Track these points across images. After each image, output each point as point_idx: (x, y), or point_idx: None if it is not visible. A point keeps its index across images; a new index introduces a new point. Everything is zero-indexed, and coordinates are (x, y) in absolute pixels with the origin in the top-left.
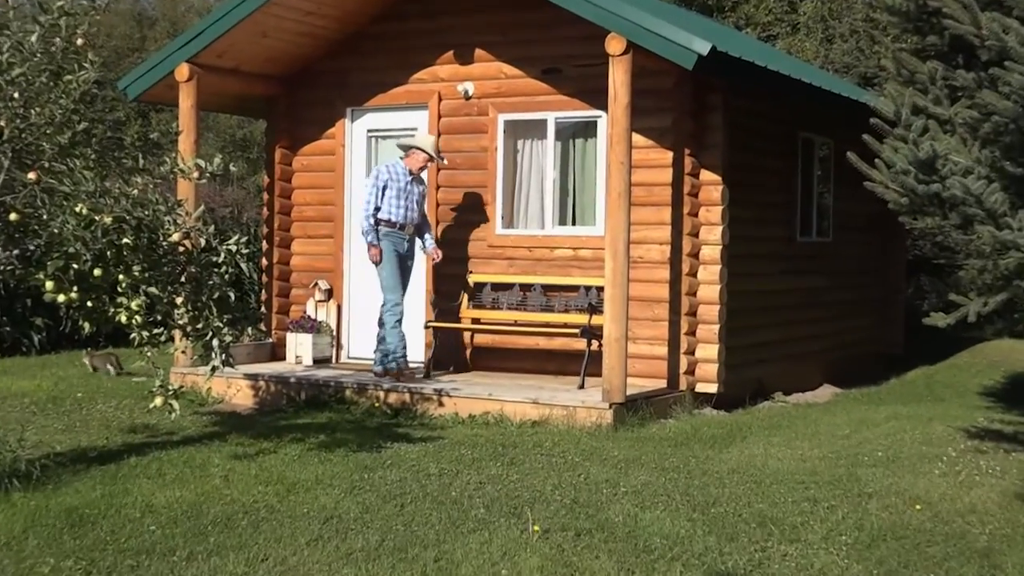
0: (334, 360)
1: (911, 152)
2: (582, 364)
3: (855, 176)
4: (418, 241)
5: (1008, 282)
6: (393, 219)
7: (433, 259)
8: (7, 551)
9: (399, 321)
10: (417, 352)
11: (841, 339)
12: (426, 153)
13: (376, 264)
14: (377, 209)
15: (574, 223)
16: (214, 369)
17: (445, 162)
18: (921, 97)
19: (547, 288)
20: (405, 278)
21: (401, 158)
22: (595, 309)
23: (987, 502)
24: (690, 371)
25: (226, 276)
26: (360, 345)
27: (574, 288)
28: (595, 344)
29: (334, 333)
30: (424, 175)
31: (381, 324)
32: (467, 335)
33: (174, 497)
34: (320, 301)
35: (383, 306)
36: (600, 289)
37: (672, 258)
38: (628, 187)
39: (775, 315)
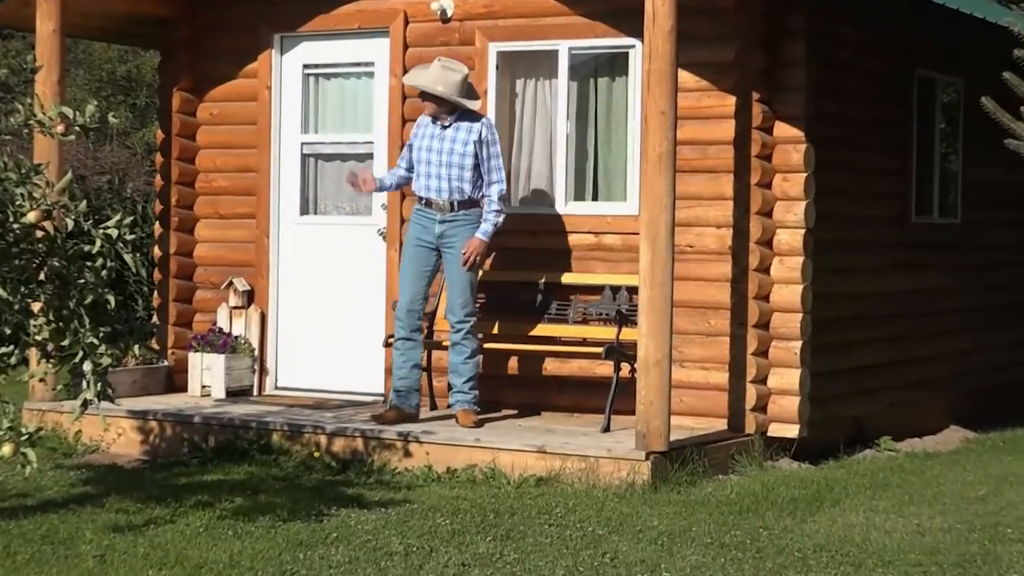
0: (257, 391)
1: None
2: (607, 397)
3: (994, 131)
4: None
5: None
6: (415, 192)
7: (466, 260)
8: None
9: (397, 340)
10: (372, 379)
11: (975, 362)
12: (431, 97)
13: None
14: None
15: (596, 198)
16: (86, 404)
17: (471, 103)
18: None
19: (558, 289)
20: (419, 279)
21: None
22: (626, 319)
23: None
24: (760, 407)
25: (103, 273)
26: (294, 370)
27: (596, 289)
28: (625, 369)
29: (256, 353)
30: (477, 124)
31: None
32: (442, 357)
33: None
34: (236, 308)
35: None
36: (633, 291)
37: (735, 247)
38: (673, 147)
39: (881, 328)
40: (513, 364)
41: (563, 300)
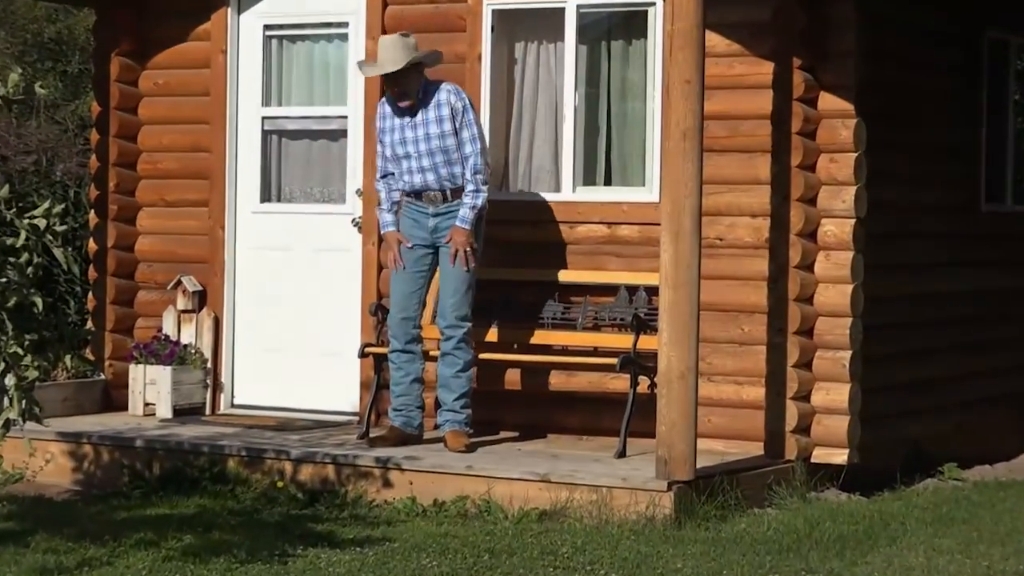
0: (209, 409)
1: None
2: (623, 417)
3: None
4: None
5: None
6: (401, 187)
7: (454, 256)
8: None
9: (392, 354)
10: (346, 395)
11: None
12: (395, 80)
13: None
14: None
15: (609, 182)
16: (8, 425)
17: (429, 57)
18: None
19: (564, 290)
20: (413, 282)
21: None
22: (644, 324)
23: None
24: (803, 428)
25: (29, 271)
26: (253, 385)
27: (609, 290)
28: (644, 383)
29: (209, 365)
30: (443, 95)
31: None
32: (430, 369)
33: None
34: (186, 311)
35: None
36: (653, 291)
37: (773, 240)
38: (699, 122)
39: (945, 335)
40: (512, 378)
41: (571, 303)
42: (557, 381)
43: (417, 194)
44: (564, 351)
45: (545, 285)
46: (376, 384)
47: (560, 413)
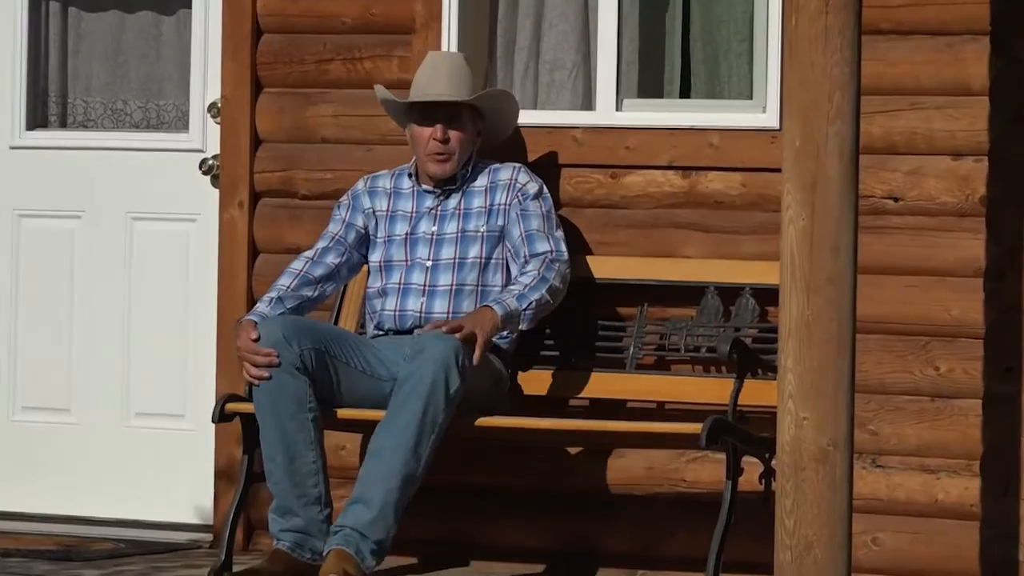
0: None
1: None
2: (713, 535)
3: None
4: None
5: None
6: (375, 319)
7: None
8: None
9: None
10: (189, 494)
11: None
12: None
13: None
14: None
15: (685, 93)
16: None
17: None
18: None
19: (599, 295)
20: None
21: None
22: (752, 358)
23: None
24: None
25: None
26: (18, 476)
27: (685, 293)
28: (750, 468)
29: None
30: (508, 172)
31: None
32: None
33: None
34: None
35: None
36: (767, 296)
37: (995, 200)
38: None
39: None
40: (502, 460)
41: (615, 315)
42: (586, 466)
43: (399, 331)
44: (600, 407)
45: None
46: (246, 471)
47: (592, 525)
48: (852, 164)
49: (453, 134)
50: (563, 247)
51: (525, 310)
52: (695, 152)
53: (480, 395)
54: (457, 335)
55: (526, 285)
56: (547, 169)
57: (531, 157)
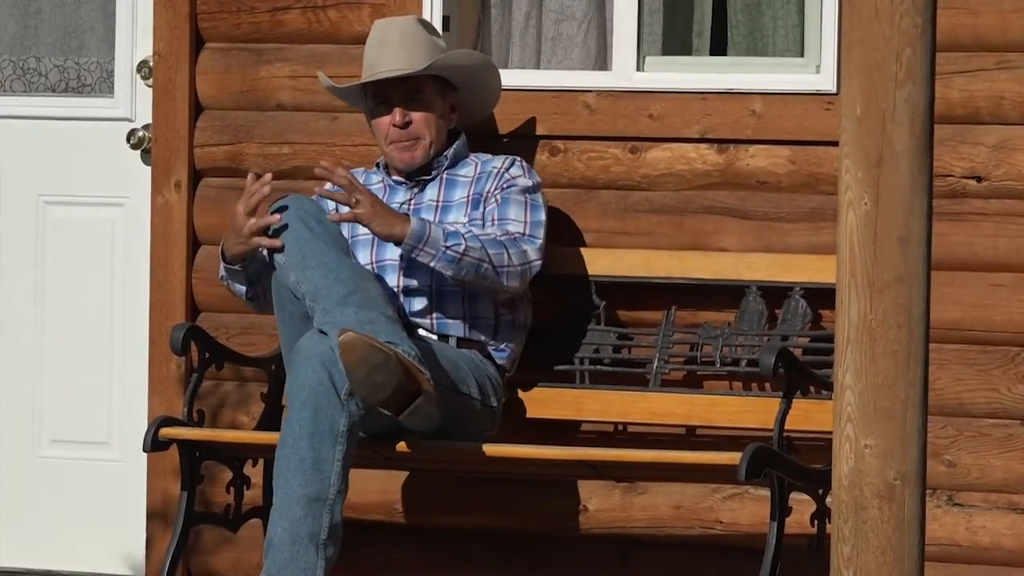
0: None
1: None
2: None
3: None
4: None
5: None
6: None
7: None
8: None
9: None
10: (115, 541)
11: None
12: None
13: None
14: None
15: (720, 50)
16: None
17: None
18: None
19: (615, 294)
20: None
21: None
22: (802, 373)
23: None
24: None
25: None
26: None
27: (721, 293)
28: (801, 508)
29: None
30: (497, 163)
31: None
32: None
33: None
34: None
35: None
36: (820, 298)
37: None
38: None
39: None
40: (501, 493)
41: (637, 321)
42: (601, 503)
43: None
44: (614, 433)
45: (575, 283)
46: (185, 511)
47: (608, 575)
48: (925, 136)
49: (415, 115)
50: (537, 251)
51: (449, 247)
52: (733, 121)
53: (454, 415)
54: (347, 213)
55: (470, 232)
56: (552, 143)
57: (536, 129)
